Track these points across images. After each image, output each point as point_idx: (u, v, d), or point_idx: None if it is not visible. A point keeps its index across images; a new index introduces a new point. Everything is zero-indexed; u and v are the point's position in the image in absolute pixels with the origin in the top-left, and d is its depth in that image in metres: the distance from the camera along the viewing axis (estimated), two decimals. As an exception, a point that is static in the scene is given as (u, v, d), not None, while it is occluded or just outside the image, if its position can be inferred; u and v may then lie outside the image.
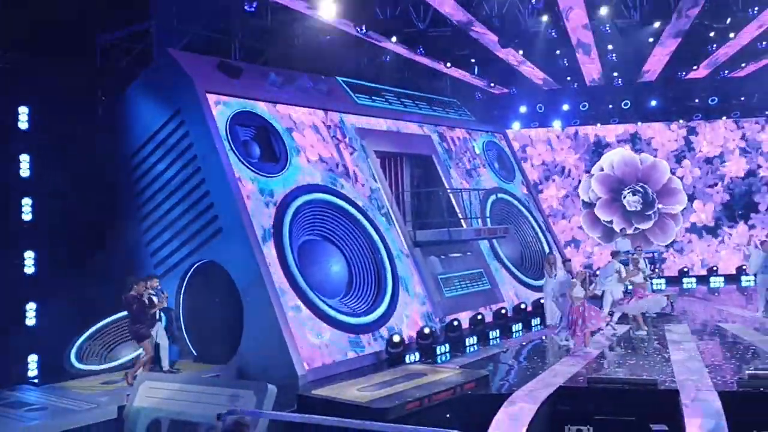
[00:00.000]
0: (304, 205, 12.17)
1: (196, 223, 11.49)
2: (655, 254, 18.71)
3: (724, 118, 19.79)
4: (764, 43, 15.57)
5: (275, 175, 12.00)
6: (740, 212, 20.06)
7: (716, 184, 20.22)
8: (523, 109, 19.91)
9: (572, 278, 12.52)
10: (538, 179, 20.67)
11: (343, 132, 14.11)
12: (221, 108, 11.79)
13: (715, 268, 19.73)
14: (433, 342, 12.43)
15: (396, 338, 11.66)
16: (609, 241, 20.16)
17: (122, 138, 12.46)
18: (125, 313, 10.53)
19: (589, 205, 20.54)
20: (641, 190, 20.24)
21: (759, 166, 20.01)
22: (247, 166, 11.61)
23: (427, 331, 12.41)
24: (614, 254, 15.01)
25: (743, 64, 17.35)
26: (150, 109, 12.14)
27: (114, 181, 12.56)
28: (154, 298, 10.41)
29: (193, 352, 11.57)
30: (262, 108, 12.62)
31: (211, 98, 11.68)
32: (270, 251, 11.06)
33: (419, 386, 9.40)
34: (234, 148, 11.53)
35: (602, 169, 20.47)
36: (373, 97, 15.70)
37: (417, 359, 11.86)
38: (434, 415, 8.95)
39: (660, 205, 20.20)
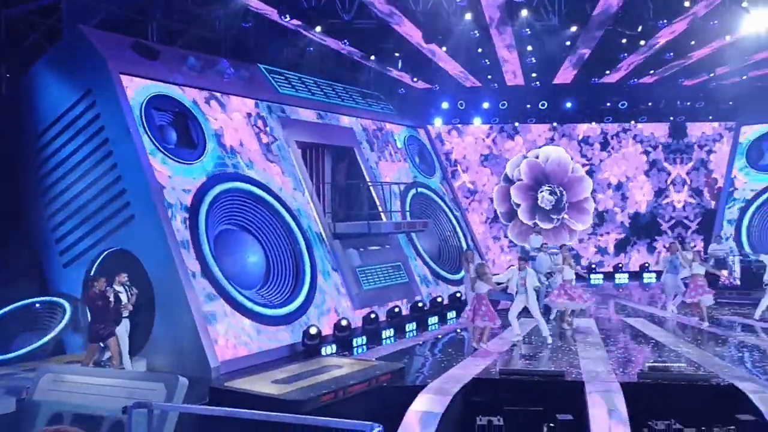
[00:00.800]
0: (222, 194, 11.88)
1: (106, 209, 11.01)
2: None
3: (632, 122, 20.67)
4: (671, 53, 16.32)
5: (192, 162, 11.66)
6: (644, 234, 21.05)
7: (623, 208, 21.14)
8: (444, 105, 20.13)
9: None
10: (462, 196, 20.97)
11: (264, 121, 13.86)
12: (136, 90, 11.32)
13: (620, 265, 20.66)
14: (350, 334, 12.44)
15: (313, 330, 11.58)
16: (509, 220, 20.83)
17: (27, 117, 11.79)
18: (24, 303, 9.98)
19: (509, 182, 21.01)
20: (559, 194, 20.89)
21: (664, 190, 21.02)
22: (163, 152, 11.22)
23: (344, 323, 12.40)
24: (540, 248, 15.57)
25: (651, 71, 18.15)
26: (58, 88, 11.53)
27: (17, 162, 11.89)
28: (122, 296, 9.90)
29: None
30: (180, 92, 12.22)
31: (125, 79, 11.21)
32: (184, 240, 10.75)
33: (335, 378, 9.39)
34: (149, 133, 11.12)
35: (537, 157, 20.99)
36: (296, 87, 15.51)
37: (334, 351, 11.83)
38: (349, 407, 8.94)
39: (566, 216, 20.92)
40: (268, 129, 13.80)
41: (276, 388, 8.83)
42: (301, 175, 14.20)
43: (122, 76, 11.19)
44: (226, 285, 11.04)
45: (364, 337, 12.67)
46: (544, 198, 20.85)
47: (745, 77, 17.83)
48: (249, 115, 13.52)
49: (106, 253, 11.11)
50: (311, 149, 15.52)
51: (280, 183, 13.35)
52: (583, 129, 20.96)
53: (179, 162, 11.40)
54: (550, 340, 12.32)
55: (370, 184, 15.98)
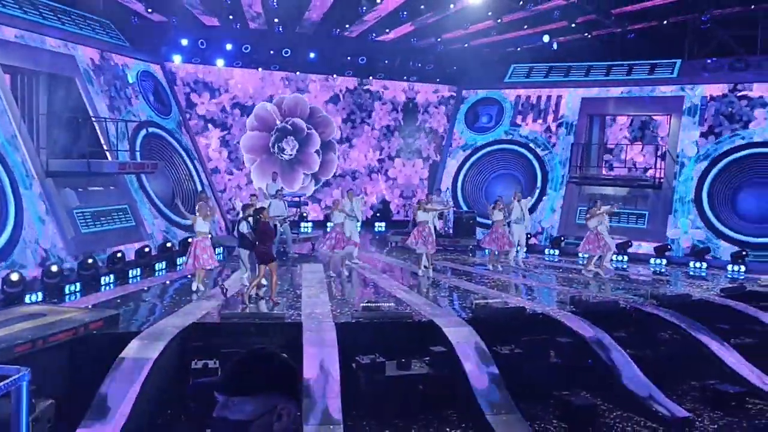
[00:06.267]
0: None
1: None
2: (301, 198, 19.84)
3: (371, 77, 21.60)
4: (405, 13, 17.23)
5: None
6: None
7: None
8: (184, 42, 18.99)
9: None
10: (199, 128, 20.07)
11: (-41, 36, 11.90)
12: None
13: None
14: (61, 280, 11.47)
15: (14, 276, 10.46)
16: (253, 142, 20.74)
17: None
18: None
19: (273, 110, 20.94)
20: (297, 146, 21.13)
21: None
22: None
23: (54, 268, 11.38)
24: (276, 195, 15.68)
25: (387, 30, 19.03)
26: None
27: None
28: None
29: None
30: None
31: None
32: None
33: (34, 328, 8.60)
34: None
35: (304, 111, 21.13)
36: (2, 2, 13.49)
37: (40, 299, 10.82)
38: (51, 357, 8.32)
39: (286, 158, 21.29)
40: (-37, 47, 11.88)
41: (-44, 341, 7.82)
42: (8, 103, 12.51)
43: None
44: None
45: (79, 284, 11.78)
46: (288, 143, 20.99)
47: (467, 45, 19.54)
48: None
49: None
50: (21, 75, 13.73)
51: (-21, 110, 11.65)
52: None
53: None
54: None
55: (93, 119, 14.66)
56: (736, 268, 15.94)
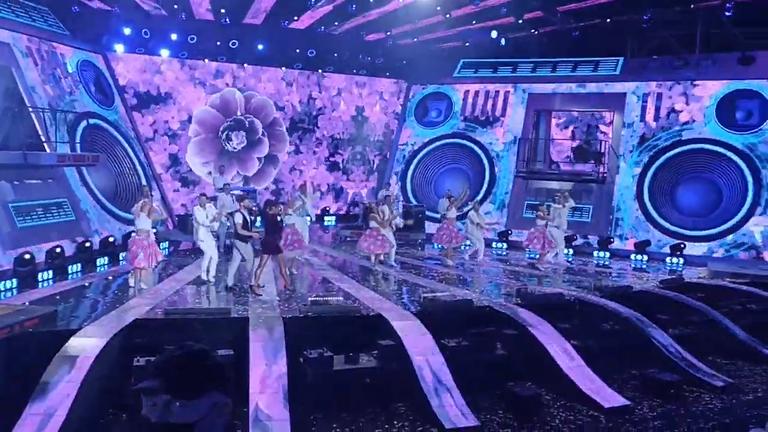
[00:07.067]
0: None
1: None
2: (249, 193, 19.52)
3: (320, 70, 21.43)
4: (354, 6, 17.10)
5: None
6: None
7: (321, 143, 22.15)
8: (127, 31, 18.41)
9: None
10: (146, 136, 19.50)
11: None
12: None
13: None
14: (-3, 277, 11.06)
15: (-55, 273, 10.01)
16: (206, 118, 20.33)
17: None
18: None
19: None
20: (243, 142, 20.81)
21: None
22: None
23: (-12, 265, 10.96)
24: (223, 189, 15.38)
25: (336, 23, 18.89)
26: None
27: None
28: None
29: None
30: None
31: None
32: None
33: (-34, 326, 8.24)
34: None
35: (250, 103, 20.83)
36: (-68, -15, 12.90)
37: (-27, 297, 10.40)
38: (-16, 358, 8.00)
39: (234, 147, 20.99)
40: None
41: None
42: (-63, 92, 11.98)
43: None
44: None
45: (15, 280, 11.35)
46: (238, 137, 20.66)
47: (416, 40, 19.57)
48: None
49: None
50: (-47, 63, 13.17)
51: None
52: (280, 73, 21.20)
53: None
54: (211, 279, 12.38)
55: (31, 109, 14.14)
56: (675, 260, 16.47)
